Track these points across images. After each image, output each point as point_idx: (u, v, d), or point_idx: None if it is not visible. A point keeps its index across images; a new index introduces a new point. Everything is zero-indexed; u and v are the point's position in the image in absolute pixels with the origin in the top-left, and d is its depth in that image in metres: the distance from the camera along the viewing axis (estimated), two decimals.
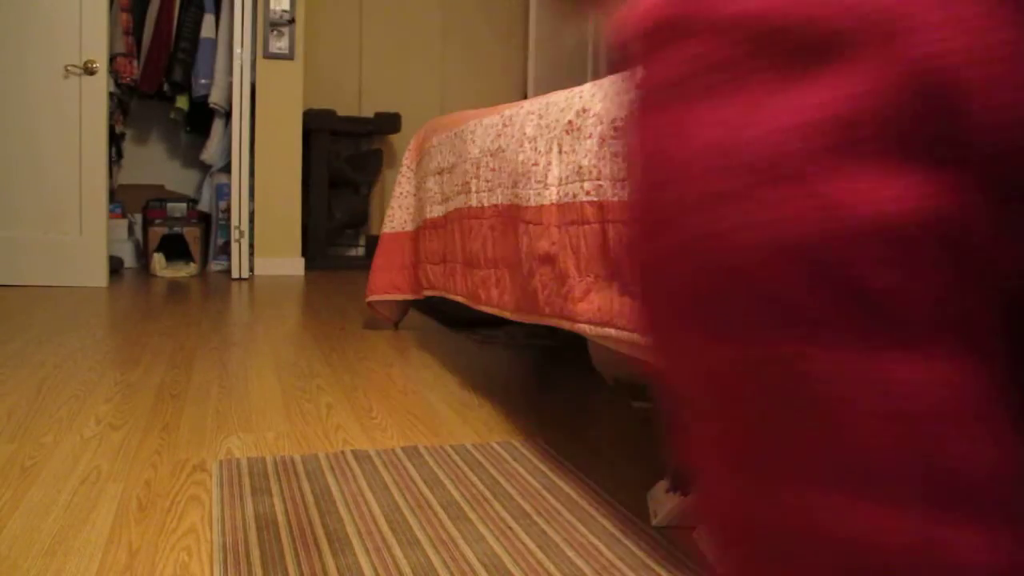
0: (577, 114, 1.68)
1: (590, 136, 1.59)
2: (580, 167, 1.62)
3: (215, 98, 5.13)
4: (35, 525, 1.36)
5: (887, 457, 0.37)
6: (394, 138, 5.90)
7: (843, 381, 0.37)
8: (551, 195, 1.74)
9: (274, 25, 5.11)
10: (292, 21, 5.15)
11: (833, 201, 0.37)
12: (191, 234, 5.23)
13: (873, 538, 0.38)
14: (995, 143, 0.35)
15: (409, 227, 3.08)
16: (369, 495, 1.52)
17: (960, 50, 0.35)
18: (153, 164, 5.71)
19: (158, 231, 5.17)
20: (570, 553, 1.29)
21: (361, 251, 5.81)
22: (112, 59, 4.88)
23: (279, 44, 5.13)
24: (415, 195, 3.05)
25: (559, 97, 1.87)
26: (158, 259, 5.06)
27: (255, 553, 1.27)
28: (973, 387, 0.36)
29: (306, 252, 5.42)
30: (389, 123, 5.73)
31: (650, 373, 0.93)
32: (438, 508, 1.46)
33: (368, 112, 5.85)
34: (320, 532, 1.36)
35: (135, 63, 5.17)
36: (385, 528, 1.37)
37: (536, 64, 6.03)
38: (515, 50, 6.29)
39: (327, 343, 3.03)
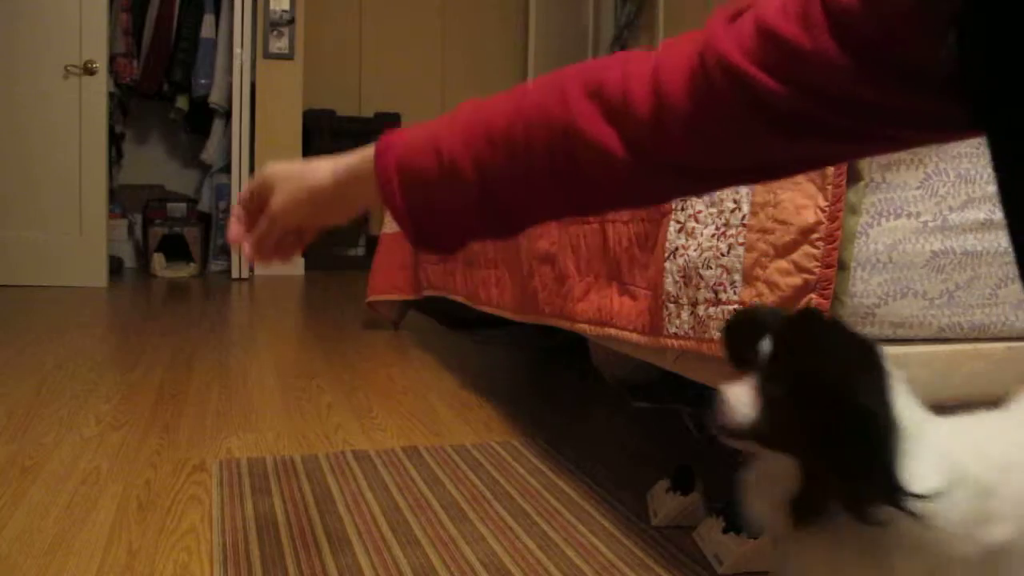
0: None
1: None
2: None
3: (215, 98, 5.12)
4: (35, 525, 1.36)
5: None
6: None
7: None
8: None
9: (274, 25, 5.11)
10: (292, 21, 5.15)
11: None
12: (191, 234, 5.23)
13: None
14: None
15: None
16: (369, 495, 1.52)
17: None
18: (153, 164, 5.70)
19: (158, 231, 5.17)
20: (570, 553, 1.29)
21: (361, 251, 5.81)
22: (112, 59, 4.87)
23: (279, 44, 5.13)
24: None
25: None
26: (158, 259, 5.05)
27: (255, 553, 1.27)
28: None
29: (306, 252, 5.41)
30: (389, 123, 5.73)
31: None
32: (438, 508, 1.46)
33: (368, 112, 5.84)
34: (320, 532, 1.36)
35: (135, 63, 5.17)
36: (385, 528, 1.37)
37: (536, 63, 6.03)
38: (515, 49, 6.29)
39: (327, 343, 3.03)
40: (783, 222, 1.07)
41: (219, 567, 1.22)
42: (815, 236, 1.03)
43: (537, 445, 1.84)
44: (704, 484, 1.43)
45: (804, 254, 1.04)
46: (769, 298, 1.08)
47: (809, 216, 1.03)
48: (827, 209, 1.02)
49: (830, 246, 1.01)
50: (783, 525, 0.68)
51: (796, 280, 1.04)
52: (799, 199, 1.05)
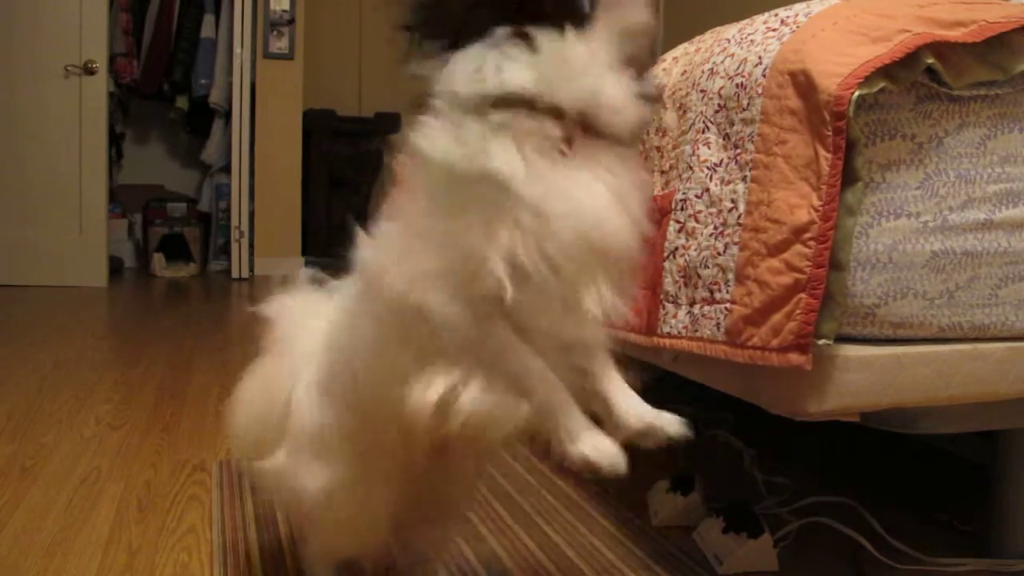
0: None
1: None
2: None
3: (215, 98, 5.12)
4: (35, 525, 1.36)
5: None
6: (394, 138, 5.90)
7: None
8: None
9: (274, 25, 5.11)
10: (292, 21, 5.15)
11: None
12: (191, 234, 5.23)
13: None
14: None
15: None
16: None
17: None
18: (153, 164, 5.70)
19: (158, 231, 5.17)
20: (570, 553, 1.29)
21: None
22: (112, 59, 4.87)
23: (279, 44, 5.13)
24: None
25: None
26: (158, 259, 5.05)
27: (255, 553, 1.27)
28: None
29: (306, 252, 5.41)
30: (389, 123, 5.73)
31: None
32: None
33: (368, 112, 5.84)
34: None
35: (135, 63, 5.16)
36: None
37: None
38: None
39: None
40: (776, 221, 1.07)
41: (219, 567, 1.22)
42: (807, 236, 1.02)
43: (537, 445, 1.84)
44: (704, 484, 1.43)
45: (796, 253, 1.03)
46: (759, 297, 1.08)
47: (802, 215, 1.03)
48: (820, 209, 1.01)
49: (822, 246, 1.01)
50: None
51: (786, 279, 1.04)
52: (792, 198, 1.05)
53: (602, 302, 0.75)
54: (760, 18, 1.25)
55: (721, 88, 1.21)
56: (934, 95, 1.08)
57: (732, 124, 1.18)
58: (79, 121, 4.41)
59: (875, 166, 1.07)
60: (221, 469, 1.64)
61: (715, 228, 1.18)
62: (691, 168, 1.25)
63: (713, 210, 1.19)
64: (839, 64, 1.03)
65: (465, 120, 0.71)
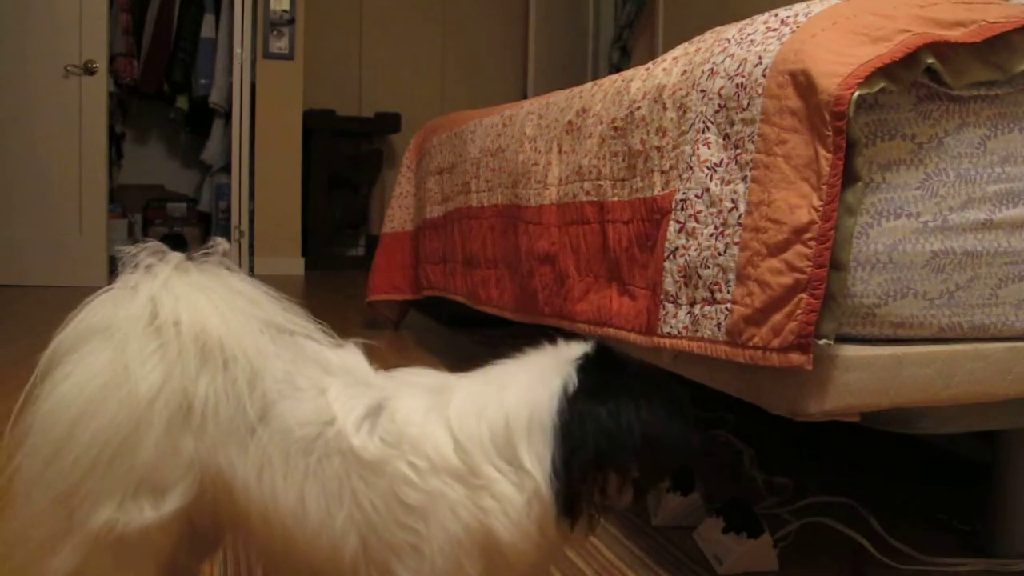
0: (577, 114, 1.68)
1: (590, 136, 1.60)
2: (580, 167, 1.62)
3: (215, 98, 5.13)
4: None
5: None
6: (394, 138, 5.90)
7: None
8: (551, 195, 1.75)
9: (274, 25, 5.11)
10: (292, 21, 5.15)
11: None
12: (191, 234, 5.23)
13: None
14: None
15: (409, 227, 3.08)
16: None
17: None
18: (153, 164, 5.71)
19: (158, 231, 5.17)
20: (570, 553, 1.29)
21: (361, 251, 5.82)
22: (112, 59, 4.87)
23: (279, 44, 5.13)
24: (415, 195, 3.06)
25: (559, 97, 1.87)
26: None
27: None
28: None
29: (306, 252, 5.42)
30: (389, 123, 5.73)
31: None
32: None
33: (368, 112, 5.85)
34: None
35: (135, 63, 5.17)
36: None
37: (536, 64, 6.03)
38: (515, 50, 6.29)
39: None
40: (776, 221, 1.07)
41: (219, 567, 1.22)
42: (808, 236, 1.02)
43: None
44: (704, 484, 1.43)
45: (796, 253, 1.03)
46: (760, 297, 1.08)
47: (803, 216, 1.03)
48: (821, 209, 1.01)
49: (823, 246, 1.01)
50: None
51: (787, 279, 1.04)
52: (793, 198, 1.05)
53: None
54: (760, 18, 1.25)
55: (721, 88, 1.21)
56: (934, 95, 1.08)
57: (732, 124, 1.18)
58: (79, 121, 4.41)
59: (875, 166, 1.07)
60: None
61: (715, 228, 1.18)
62: (691, 168, 1.25)
63: (713, 210, 1.19)
64: (839, 64, 1.03)
65: None
